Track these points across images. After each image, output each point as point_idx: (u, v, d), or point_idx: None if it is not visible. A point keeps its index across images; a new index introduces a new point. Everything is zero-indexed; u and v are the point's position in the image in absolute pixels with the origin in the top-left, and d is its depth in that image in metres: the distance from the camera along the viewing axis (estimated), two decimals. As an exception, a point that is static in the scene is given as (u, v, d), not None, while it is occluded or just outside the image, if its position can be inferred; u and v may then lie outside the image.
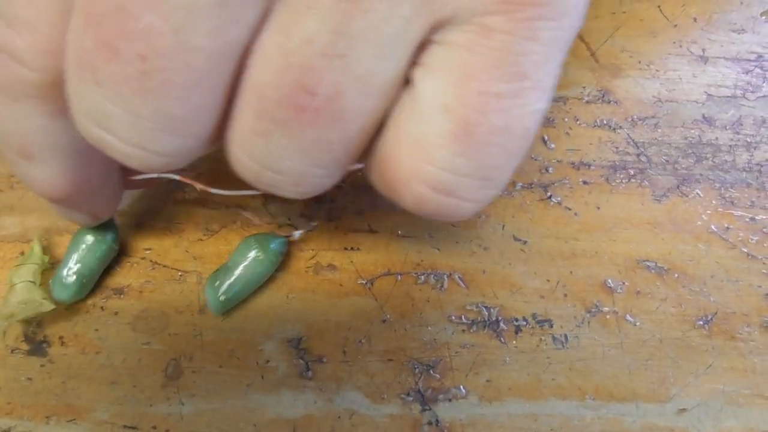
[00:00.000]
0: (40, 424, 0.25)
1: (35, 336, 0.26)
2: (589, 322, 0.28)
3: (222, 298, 0.26)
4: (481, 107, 0.16)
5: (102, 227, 0.27)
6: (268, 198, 0.30)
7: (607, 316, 0.28)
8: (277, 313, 0.28)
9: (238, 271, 0.27)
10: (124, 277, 0.28)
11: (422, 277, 0.29)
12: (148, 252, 0.28)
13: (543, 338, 0.28)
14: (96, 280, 0.27)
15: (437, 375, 0.27)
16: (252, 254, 0.27)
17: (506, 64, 0.15)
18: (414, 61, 0.16)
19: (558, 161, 0.32)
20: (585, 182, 0.31)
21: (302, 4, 0.15)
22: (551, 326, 0.28)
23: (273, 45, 0.15)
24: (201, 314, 0.27)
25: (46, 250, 0.28)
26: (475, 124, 0.16)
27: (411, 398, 0.26)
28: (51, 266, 0.28)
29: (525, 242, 0.30)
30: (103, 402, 0.26)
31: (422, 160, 0.17)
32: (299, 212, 0.30)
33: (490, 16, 0.15)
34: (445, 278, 0.29)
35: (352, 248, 0.29)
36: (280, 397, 0.26)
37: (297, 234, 0.28)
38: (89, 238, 0.26)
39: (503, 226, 0.30)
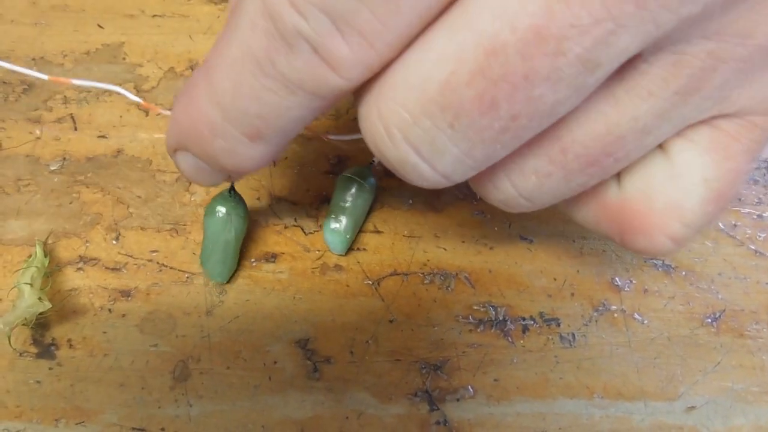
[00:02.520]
0: (50, 427, 0.25)
1: (43, 339, 0.27)
2: (596, 321, 0.28)
3: (348, 236, 0.28)
4: (733, 182, 0.20)
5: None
6: (274, 199, 0.30)
7: (615, 315, 0.28)
8: (284, 314, 0.28)
9: (348, 207, 0.28)
10: (131, 279, 0.28)
11: (429, 277, 0.29)
12: (154, 254, 0.28)
13: (550, 337, 0.28)
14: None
15: (445, 375, 0.27)
16: (354, 188, 0.28)
17: (757, 150, 0.20)
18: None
19: (564, 160, 0.31)
20: (591, 180, 0.31)
21: (645, 90, 0.17)
22: (558, 325, 0.28)
23: (600, 115, 0.18)
24: (208, 316, 0.27)
25: (47, 253, 0.28)
26: (725, 195, 0.20)
27: (419, 398, 0.26)
28: (57, 269, 0.28)
29: (531, 241, 0.30)
30: (111, 404, 0.26)
31: (674, 219, 0.20)
32: (306, 213, 0.30)
33: (760, 116, 0.19)
34: (452, 278, 0.29)
35: (358, 249, 0.29)
36: (288, 398, 0.26)
37: (376, 160, 0.30)
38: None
39: (509, 225, 0.30)
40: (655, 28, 0.15)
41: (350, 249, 0.29)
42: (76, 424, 0.25)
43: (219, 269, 0.27)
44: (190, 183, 0.30)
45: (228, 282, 0.28)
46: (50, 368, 0.26)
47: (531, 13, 0.15)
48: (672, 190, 0.20)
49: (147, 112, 0.31)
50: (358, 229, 0.29)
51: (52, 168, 0.30)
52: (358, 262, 0.29)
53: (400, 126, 0.17)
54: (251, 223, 0.29)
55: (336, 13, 0.15)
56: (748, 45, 0.17)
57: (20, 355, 0.26)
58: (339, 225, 0.28)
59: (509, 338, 0.28)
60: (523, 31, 0.15)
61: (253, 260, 0.29)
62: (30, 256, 0.28)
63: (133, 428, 0.25)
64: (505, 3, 0.15)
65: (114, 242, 0.28)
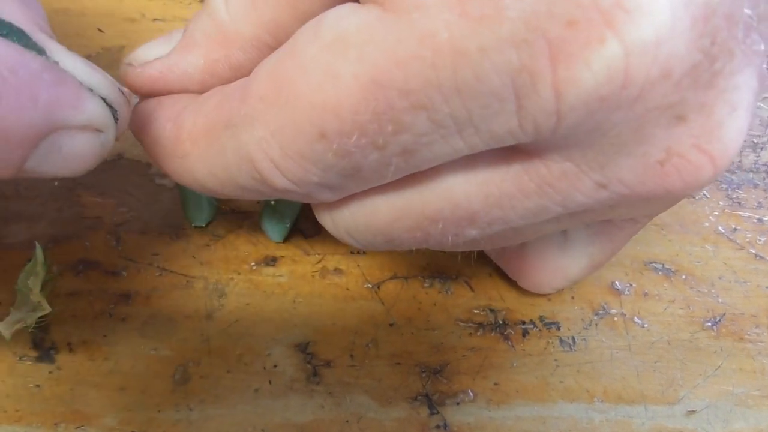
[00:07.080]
0: (49, 431, 0.25)
1: (43, 343, 0.27)
2: (596, 325, 0.28)
3: (287, 224, 0.29)
4: (611, 256, 0.25)
5: None
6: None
7: (615, 318, 0.28)
8: (284, 317, 0.28)
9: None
10: (131, 283, 0.28)
11: (429, 281, 0.29)
12: (155, 258, 0.28)
13: (550, 341, 0.28)
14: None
15: (445, 379, 0.27)
16: None
17: (634, 235, 0.25)
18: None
19: (563, 163, 0.31)
20: (591, 184, 0.31)
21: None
22: (558, 329, 0.28)
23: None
24: (208, 320, 0.27)
25: (47, 256, 0.28)
26: (603, 263, 0.26)
27: (419, 402, 0.26)
28: (57, 273, 0.28)
29: (531, 245, 0.30)
30: (111, 408, 0.26)
31: (560, 277, 0.26)
32: (305, 216, 0.30)
33: (643, 218, 0.23)
34: (452, 282, 0.29)
35: (358, 252, 0.29)
36: (288, 401, 0.26)
37: None
38: None
39: (509, 228, 0.30)
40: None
41: (350, 253, 0.29)
42: (76, 428, 0.25)
43: (194, 214, 0.29)
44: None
45: (206, 226, 0.29)
46: (50, 372, 0.26)
47: (472, 204, 0.19)
48: (562, 258, 0.25)
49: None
50: (296, 216, 0.29)
51: (53, 172, 0.30)
52: (358, 266, 0.29)
53: (348, 229, 0.21)
54: (252, 225, 0.29)
55: (331, 184, 0.18)
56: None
57: (20, 359, 0.26)
58: (280, 215, 0.28)
59: (509, 342, 0.28)
60: (463, 211, 0.19)
61: (253, 264, 0.29)
62: (30, 259, 0.28)
63: (133, 432, 0.25)
64: (465, 194, 0.19)
65: (114, 246, 0.29)
